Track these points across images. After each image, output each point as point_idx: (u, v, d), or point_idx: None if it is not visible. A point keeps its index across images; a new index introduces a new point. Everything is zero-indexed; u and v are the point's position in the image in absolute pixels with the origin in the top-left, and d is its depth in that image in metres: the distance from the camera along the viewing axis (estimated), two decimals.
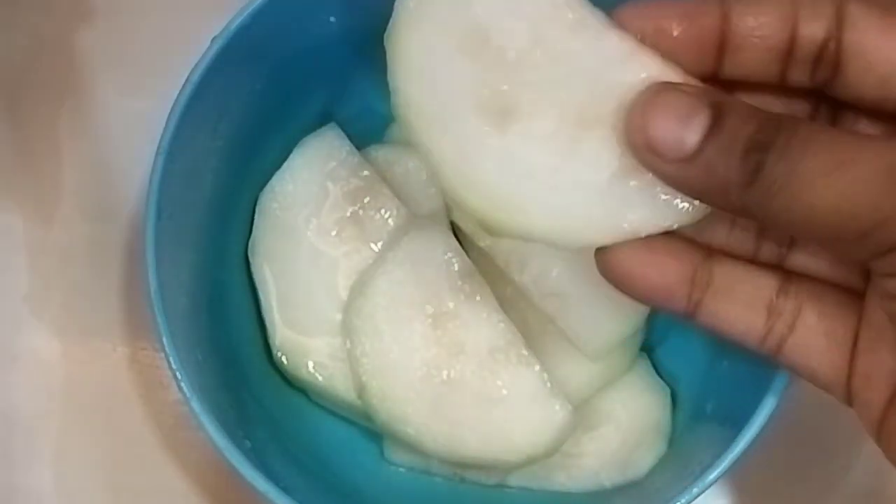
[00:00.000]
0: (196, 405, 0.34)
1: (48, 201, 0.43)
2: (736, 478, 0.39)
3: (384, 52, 0.41)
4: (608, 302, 0.39)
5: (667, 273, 0.29)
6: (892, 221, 0.24)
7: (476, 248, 0.40)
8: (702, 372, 0.40)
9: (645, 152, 0.27)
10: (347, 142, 0.40)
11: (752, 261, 0.30)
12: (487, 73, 0.30)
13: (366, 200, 0.40)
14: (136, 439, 0.42)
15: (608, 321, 0.39)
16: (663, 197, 0.28)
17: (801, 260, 0.30)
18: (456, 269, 0.38)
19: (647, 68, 0.28)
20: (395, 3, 0.31)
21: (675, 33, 0.27)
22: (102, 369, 0.42)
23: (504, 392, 0.37)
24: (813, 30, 0.27)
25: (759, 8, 0.27)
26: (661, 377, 0.41)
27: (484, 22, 0.30)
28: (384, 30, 0.40)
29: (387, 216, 0.40)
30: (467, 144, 0.30)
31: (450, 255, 0.38)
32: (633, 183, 0.28)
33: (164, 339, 0.34)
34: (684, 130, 0.26)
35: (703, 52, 0.28)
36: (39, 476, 0.42)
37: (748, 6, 0.27)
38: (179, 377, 0.34)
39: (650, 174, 0.28)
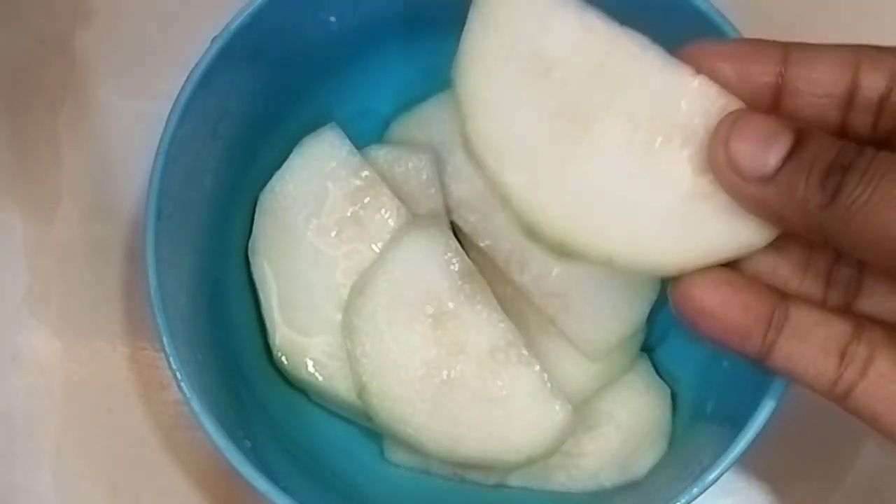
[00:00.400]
0: (196, 405, 0.34)
1: (48, 201, 0.43)
2: (736, 478, 0.39)
3: (384, 53, 0.41)
4: (608, 302, 0.39)
5: (749, 310, 0.28)
6: None
7: (476, 248, 0.40)
8: (702, 372, 0.40)
9: (726, 171, 0.28)
10: (347, 142, 0.40)
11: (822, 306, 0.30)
12: (556, 100, 0.31)
13: (366, 200, 0.40)
14: (136, 439, 0.42)
15: (608, 321, 0.39)
16: (737, 219, 0.29)
17: (868, 306, 0.30)
18: (456, 269, 0.38)
19: (718, 96, 0.29)
20: (462, 36, 0.32)
21: (731, 76, 0.28)
22: (102, 369, 0.42)
23: (504, 392, 0.37)
24: (874, 80, 0.27)
25: (819, 55, 0.27)
26: (661, 377, 0.41)
27: (551, 53, 0.31)
28: (384, 30, 0.40)
29: (387, 216, 0.40)
30: (541, 172, 0.30)
31: (450, 255, 0.38)
32: (706, 205, 0.29)
33: (164, 339, 0.34)
34: (767, 151, 0.27)
35: (759, 94, 0.28)
36: (39, 476, 0.42)
37: (808, 52, 0.27)
38: (179, 377, 0.34)
39: (722, 196, 0.29)
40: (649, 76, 0.30)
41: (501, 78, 0.31)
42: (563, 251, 0.31)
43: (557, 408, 0.37)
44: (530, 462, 0.38)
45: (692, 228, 0.29)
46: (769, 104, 0.28)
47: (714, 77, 0.28)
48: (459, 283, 0.38)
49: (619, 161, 0.30)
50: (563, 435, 0.37)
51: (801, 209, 0.26)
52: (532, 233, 0.31)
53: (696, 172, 0.29)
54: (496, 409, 0.37)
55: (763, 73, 0.28)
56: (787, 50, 0.28)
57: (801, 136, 0.27)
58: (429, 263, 0.38)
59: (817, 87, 0.28)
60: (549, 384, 0.37)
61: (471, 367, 0.38)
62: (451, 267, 0.38)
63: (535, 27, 0.31)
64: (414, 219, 0.39)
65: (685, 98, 0.30)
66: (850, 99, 0.27)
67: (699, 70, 0.29)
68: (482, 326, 0.38)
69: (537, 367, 0.38)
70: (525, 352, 0.38)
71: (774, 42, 0.28)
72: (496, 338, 0.38)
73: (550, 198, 0.30)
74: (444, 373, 0.38)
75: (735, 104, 0.29)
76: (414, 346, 0.38)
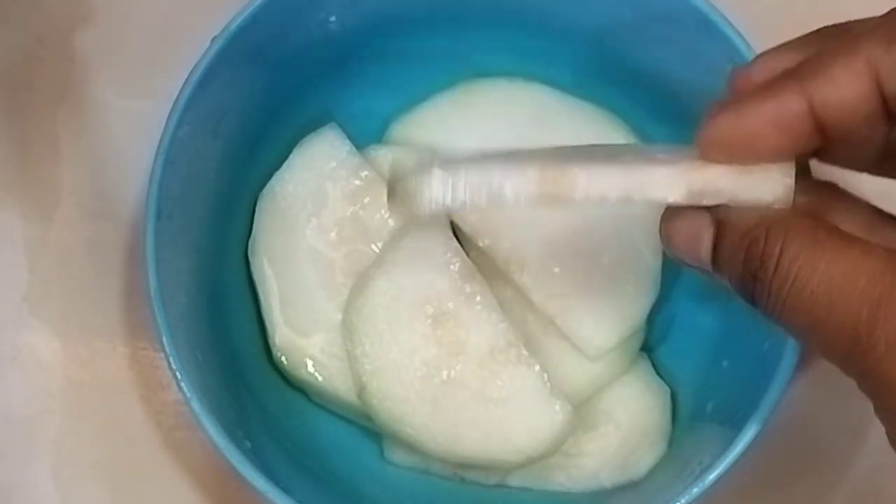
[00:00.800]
0: (196, 405, 0.34)
1: (48, 201, 0.43)
2: (736, 478, 0.39)
3: (384, 53, 0.41)
4: (608, 302, 0.39)
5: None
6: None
7: (476, 248, 0.40)
8: (702, 372, 0.40)
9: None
10: (347, 142, 0.40)
11: None
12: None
13: (366, 200, 0.40)
14: (136, 439, 0.42)
15: (608, 321, 0.39)
16: None
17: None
18: (456, 269, 0.38)
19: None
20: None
21: (771, 142, 0.27)
22: (102, 369, 0.42)
23: (504, 392, 0.37)
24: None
25: (834, 75, 0.26)
26: (661, 377, 0.41)
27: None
28: (384, 30, 0.40)
29: (387, 216, 0.40)
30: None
31: (450, 255, 0.38)
32: None
33: (164, 340, 0.34)
34: (698, 248, 0.28)
35: (804, 139, 0.27)
36: (39, 475, 0.42)
37: (822, 75, 0.26)
38: (179, 377, 0.34)
39: None
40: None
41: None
42: None
43: (557, 408, 0.37)
44: (530, 462, 0.38)
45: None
46: (820, 139, 0.27)
47: (749, 148, 0.27)
48: (459, 282, 0.38)
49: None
50: (563, 435, 0.37)
51: (744, 289, 0.28)
52: None
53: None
54: (496, 409, 0.37)
55: (795, 121, 0.27)
56: (804, 83, 0.27)
57: (719, 229, 0.28)
58: (429, 263, 0.38)
59: (848, 107, 0.26)
60: (548, 384, 0.37)
61: (471, 367, 0.38)
62: (451, 267, 0.38)
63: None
64: (414, 219, 0.39)
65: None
66: (886, 108, 0.26)
67: (732, 150, 0.28)
68: (482, 326, 0.38)
69: (537, 367, 0.38)
70: (525, 352, 0.38)
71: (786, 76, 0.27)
72: (496, 337, 0.38)
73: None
74: (444, 373, 0.38)
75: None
76: (414, 346, 0.38)
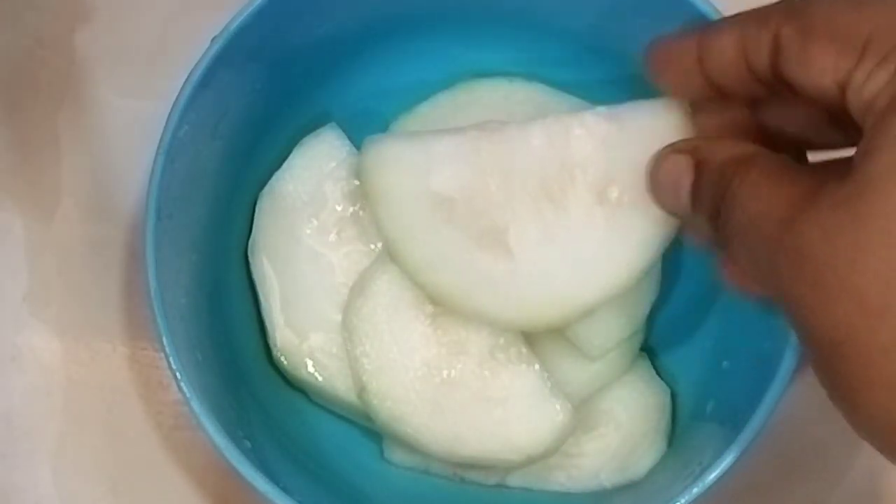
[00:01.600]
0: (196, 405, 0.34)
1: (48, 201, 0.43)
2: (736, 478, 0.39)
3: (384, 53, 0.41)
4: (609, 301, 0.39)
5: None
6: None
7: None
8: (702, 372, 0.40)
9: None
10: (347, 142, 0.40)
11: None
12: (470, 227, 0.35)
13: (366, 200, 0.40)
14: (136, 439, 0.42)
15: (608, 321, 0.39)
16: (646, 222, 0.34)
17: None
18: None
19: (602, 121, 0.35)
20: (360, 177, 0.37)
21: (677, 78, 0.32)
22: (102, 369, 0.42)
23: (504, 391, 0.37)
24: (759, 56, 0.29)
25: (719, 38, 0.30)
26: (661, 377, 0.41)
27: (443, 191, 0.36)
28: (384, 30, 0.40)
29: None
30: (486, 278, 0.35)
31: None
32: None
33: (164, 340, 0.34)
34: (678, 194, 0.31)
35: (696, 84, 0.32)
36: (39, 476, 0.42)
37: (713, 37, 0.31)
38: (179, 377, 0.34)
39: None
40: (530, 148, 0.35)
41: (424, 230, 0.36)
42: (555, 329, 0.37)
43: (558, 407, 0.37)
44: (530, 462, 0.38)
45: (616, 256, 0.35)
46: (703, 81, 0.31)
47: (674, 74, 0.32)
48: None
49: (540, 235, 0.35)
50: (564, 434, 0.37)
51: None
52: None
53: (597, 200, 0.35)
54: (496, 408, 0.37)
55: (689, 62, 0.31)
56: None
57: (697, 170, 0.31)
58: None
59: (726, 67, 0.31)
60: (549, 383, 0.37)
61: (471, 366, 0.38)
62: None
63: (418, 177, 0.36)
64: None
65: (571, 146, 0.35)
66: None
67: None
68: (481, 325, 0.38)
69: (537, 366, 0.38)
70: (524, 350, 0.38)
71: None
72: (496, 336, 0.38)
73: (514, 307, 0.35)
74: (444, 372, 0.38)
75: (612, 124, 0.34)
76: (414, 345, 0.38)
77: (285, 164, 0.40)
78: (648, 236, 0.34)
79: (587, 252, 0.35)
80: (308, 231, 0.40)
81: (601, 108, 0.35)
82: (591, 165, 0.35)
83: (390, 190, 0.36)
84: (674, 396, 0.40)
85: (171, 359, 0.34)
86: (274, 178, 0.40)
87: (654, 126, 0.33)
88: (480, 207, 0.35)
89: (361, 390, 0.38)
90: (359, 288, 0.38)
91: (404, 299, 0.38)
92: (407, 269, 0.36)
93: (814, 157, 0.33)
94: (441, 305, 0.37)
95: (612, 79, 0.40)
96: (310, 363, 0.39)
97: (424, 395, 0.38)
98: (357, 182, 0.40)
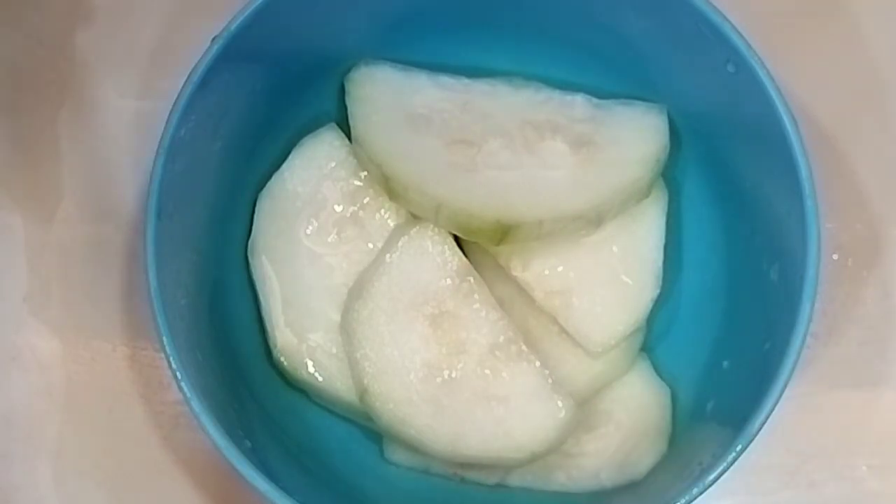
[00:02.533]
0: (196, 405, 0.34)
1: (48, 201, 0.43)
2: (736, 478, 0.39)
3: (383, 53, 0.41)
4: (609, 299, 0.39)
5: None
6: None
7: (477, 247, 0.40)
8: (702, 372, 0.40)
9: None
10: (347, 142, 0.40)
11: None
12: (445, 135, 0.39)
13: (365, 201, 0.40)
14: (136, 439, 0.42)
15: (609, 318, 0.39)
16: (613, 168, 0.38)
17: None
18: (453, 268, 0.38)
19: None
20: (350, 120, 0.39)
21: None
22: (102, 369, 0.42)
23: (506, 390, 0.37)
24: None
25: None
26: (661, 377, 0.41)
27: (421, 110, 0.39)
28: (383, 30, 0.40)
29: (386, 216, 0.40)
30: (458, 183, 0.38)
31: (447, 254, 0.38)
32: (587, 169, 0.38)
33: (165, 340, 0.34)
34: None
35: None
36: (39, 475, 0.42)
37: None
38: (179, 377, 0.34)
39: (598, 161, 0.38)
40: (510, 103, 0.40)
41: (395, 134, 0.38)
42: (500, 229, 0.37)
43: (560, 403, 0.37)
44: (533, 459, 0.38)
45: (579, 190, 0.38)
46: None
47: None
48: (458, 282, 0.38)
49: (510, 159, 0.38)
50: (567, 430, 0.37)
51: None
52: (469, 228, 0.38)
53: (572, 151, 0.38)
54: (499, 407, 0.37)
55: None
56: None
57: None
58: (426, 264, 0.38)
59: None
60: (550, 380, 0.37)
61: (472, 365, 0.38)
62: (448, 266, 0.38)
63: (402, 94, 0.39)
64: (412, 218, 0.39)
65: (557, 111, 0.39)
66: None
67: None
68: (481, 324, 0.38)
69: (538, 363, 0.38)
70: (525, 347, 0.38)
71: None
72: (495, 335, 0.38)
73: (468, 200, 0.37)
74: (446, 373, 0.38)
75: None
76: (414, 347, 0.38)
77: (284, 165, 0.40)
78: (607, 186, 0.38)
79: (548, 182, 0.38)
80: (307, 231, 0.40)
81: (594, 98, 0.40)
82: (572, 130, 0.39)
83: (371, 98, 0.39)
84: (674, 396, 0.40)
85: (171, 359, 0.34)
86: (273, 178, 0.40)
87: (635, 120, 0.39)
88: (455, 129, 0.39)
89: (363, 393, 0.38)
90: (357, 291, 0.38)
91: (403, 301, 0.38)
92: (374, 160, 0.38)
93: None
94: (399, 200, 0.38)
95: (612, 79, 0.40)
96: (310, 363, 0.39)
97: (426, 396, 0.38)
98: (357, 182, 0.40)
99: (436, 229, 0.39)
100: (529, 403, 0.37)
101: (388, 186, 0.38)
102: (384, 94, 0.39)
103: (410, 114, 0.39)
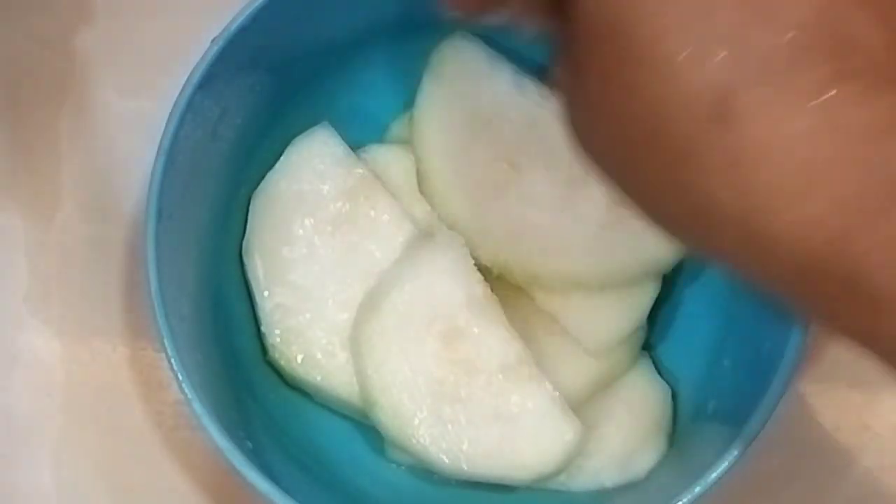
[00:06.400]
0: (197, 406, 0.34)
1: (48, 201, 0.43)
2: (737, 477, 0.39)
3: (384, 53, 0.41)
4: (610, 298, 0.39)
5: None
6: None
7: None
8: (703, 371, 0.40)
9: None
10: (340, 140, 0.40)
11: None
12: (494, 147, 0.38)
13: (360, 199, 0.40)
14: (136, 439, 0.42)
15: (610, 317, 0.39)
16: (642, 242, 0.37)
17: None
18: (468, 286, 0.38)
19: None
20: (418, 92, 0.39)
21: None
22: (102, 369, 0.42)
23: (515, 410, 0.37)
24: None
25: None
26: (662, 376, 0.41)
27: (488, 109, 0.38)
28: (383, 30, 0.40)
29: (382, 214, 0.40)
30: (481, 206, 0.38)
31: (463, 272, 0.38)
32: (616, 233, 0.37)
33: (165, 340, 0.34)
34: None
35: None
36: (39, 476, 0.42)
37: None
38: (180, 378, 0.34)
39: (630, 224, 0.34)
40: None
41: (449, 126, 0.38)
42: (507, 268, 0.38)
43: (568, 427, 0.37)
44: (540, 480, 0.38)
45: (604, 252, 0.37)
46: None
47: None
48: (471, 300, 0.38)
49: (543, 194, 0.38)
50: (574, 453, 0.37)
51: None
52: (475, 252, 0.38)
53: (608, 207, 0.37)
54: (506, 427, 0.37)
55: None
56: None
57: None
58: (441, 281, 0.38)
59: None
60: (559, 402, 0.37)
61: (481, 385, 0.37)
62: (463, 284, 0.38)
63: (477, 86, 0.38)
64: (410, 217, 0.39)
65: None
66: None
67: None
68: (493, 344, 0.38)
69: (548, 385, 0.37)
70: (536, 369, 0.38)
71: None
72: (507, 355, 0.38)
73: (487, 226, 0.37)
74: (455, 391, 0.37)
75: None
76: (424, 363, 0.38)
77: (278, 164, 0.40)
78: (634, 259, 0.38)
79: (574, 239, 0.38)
80: (302, 230, 0.40)
81: None
82: None
83: (445, 80, 0.39)
84: (675, 395, 0.40)
85: (172, 359, 0.34)
86: (267, 177, 0.40)
87: None
88: (507, 143, 0.38)
89: (371, 406, 0.38)
90: (369, 305, 0.38)
91: (416, 317, 0.38)
92: (416, 151, 0.39)
93: None
94: (425, 196, 0.39)
95: None
96: (304, 361, 0.39)
97: (434, 412, 0.37)
98: (351, 181, 0.40)
99: (454, 247, 0.39)
100: (538, 425, 0.37)
101: (419, 179, 0.38)
102: (460, 80, 0.39)
103: (475, 110, 0.38)
